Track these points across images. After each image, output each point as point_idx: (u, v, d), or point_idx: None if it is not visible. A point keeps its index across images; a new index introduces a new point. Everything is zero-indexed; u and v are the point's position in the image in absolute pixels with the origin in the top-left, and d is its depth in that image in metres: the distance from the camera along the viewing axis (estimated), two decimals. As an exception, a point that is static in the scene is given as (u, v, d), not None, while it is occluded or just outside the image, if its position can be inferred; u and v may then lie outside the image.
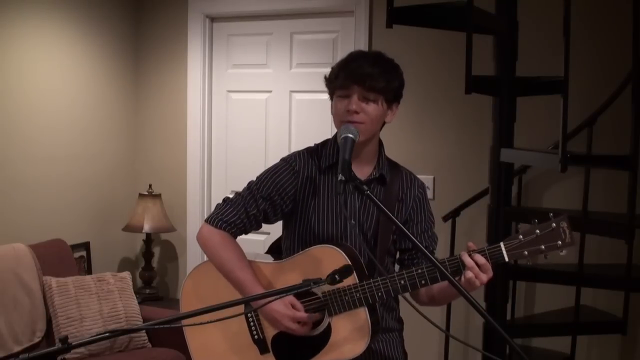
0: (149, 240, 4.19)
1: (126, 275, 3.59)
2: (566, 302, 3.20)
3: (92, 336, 1.36)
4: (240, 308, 1.83)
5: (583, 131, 2.95)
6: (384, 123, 1.93)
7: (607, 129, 3.06)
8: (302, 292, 1.69)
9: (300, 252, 1.90)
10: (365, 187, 1.68)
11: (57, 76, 3.82)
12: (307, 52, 4.01)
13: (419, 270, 1.76)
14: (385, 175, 1.97)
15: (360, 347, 1.81)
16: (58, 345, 1.28)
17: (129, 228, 4.13)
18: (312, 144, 2.03)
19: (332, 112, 1.93)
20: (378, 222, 1.94)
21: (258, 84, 4.15)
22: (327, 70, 1.94)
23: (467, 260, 1.69)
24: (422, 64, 3.65)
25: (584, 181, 2.95)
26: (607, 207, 3.07)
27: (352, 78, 1.83)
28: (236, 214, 1.94)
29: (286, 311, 1.81)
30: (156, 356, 3.33)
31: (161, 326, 1.39)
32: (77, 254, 3.86)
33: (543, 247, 1.68)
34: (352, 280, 1.78)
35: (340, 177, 1.67)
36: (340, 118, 1.86)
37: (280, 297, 1.66)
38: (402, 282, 1.77)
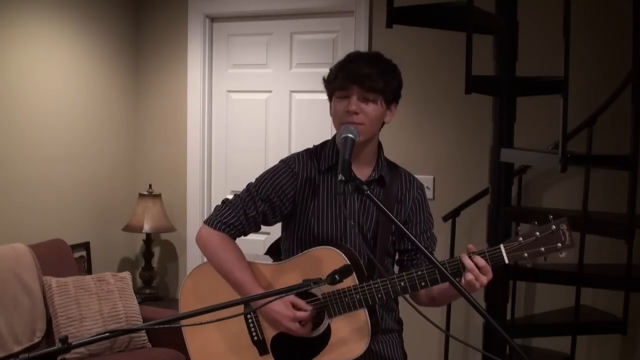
0: (149, 240, 4.20)
1: (126, 275, 3.59)
2: (566, 302, 3.20)
3: (92, 336, 1.36)
4: (240, 308, 1.83)
5: (583, 131, 2.95)
6: (383, 123, 1.93)
7: (607, 129, 3.06)
8: (302, 293, 1.70)
9: (300, 253, 1.89)
10: (365, 187, 1.68)
11: (57, 76, 3.82)
12: (307, 52, 4.01)
13: (419, 272, 1.76)
14: (384, 177, 1.97)
15: (360, 348, 1.81)
16: (58, 345, 1.28)
17: (129, 228, 4.13)
18: (312, 144, 2.03)
19: (330, 113, 1.92)
20: (377, 223, 1.94)
21: (258, 84, 4.15)
22: (327, 71, 1.94)
23: (467, 262, 1.69)
24: (422, 64, 3.65)
25: (584, 181, 2.95)
26: (607, 207, 3.07)
27: (351, 79, 1.83)
28: (235, 216, 1.94)
29: (286, 312, 1.81)
30: (156, 356, 3.33)
31: (161, 326, 1.39)
32: (77, 254, 3.87)
33: (543, 249, 1.68)
34: (351, 281, 1.78)
35: (340, 177, 1.66)
36: (340, 119, 1.86)
37: (280, 298, 1.66)
38: (402, 283, 1.76)
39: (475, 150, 3.52)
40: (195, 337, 2.01)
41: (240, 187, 2.02)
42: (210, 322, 1.47)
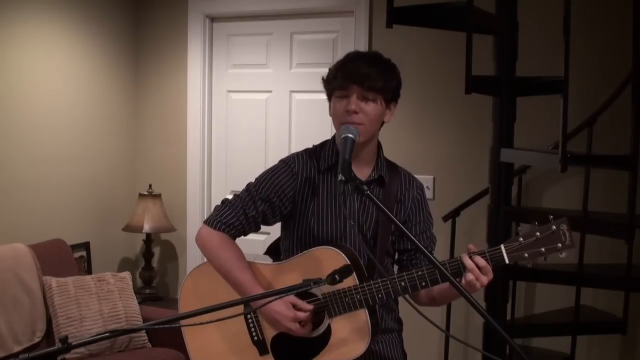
0: (149, 240, 4.20)
1: (126, 275, 3.59)
2: (566, 302, 3.20)
3: (92, 336, 1.36)
4: (240, 308, 1.83)
5: (583, 131, 2.95)
6: (382, 123, 1.93)
7: (607, 129, 3.06)
8: (302, 293, 1.70)
9: (300, 253, 1.89)
10: (365, 187, 1.68)
11: (57, 76, 3.82)
12: (307, 52, 4.01)
13: (419, 272, 1.76)
14: (384, 177, 1.97)
15: (360, 348, 1.81)
16: (58, 345, 1.28)
17: (129, 228, 4.13)
18: (312, 144, 2.03)
19: (330, 113, 1.92)
20: (377, 222, 1.94)
21: (258, 84, 4.15)
22: (327, 71, 1.94)
23: (468, 262, 1.69)
24: (422, 64, 3.65)
25: (584, 181, 2.95)
26: (607, 207, 3.07)
27: (350, 78, 1.83)
28: (235, 216, 1.94)
29: (287, 312, 1.81)
30: (156, 356, 3.33)
31: (161, 326, 1.39)
32: (77, 254, 3.87)
33: (543, 249, 1.68)
34: (352, 281, 1.78)
35: (340, 177, 1.67)
36: (340, 119, 1.86)
37: (280, 298, 1.66)
38: (403, 283, 1.77)
39: (475, 150, 3.52)
40: (195, 337, 2.01)
41: (240, 187, 2.02)
42: (210, 322, 1.47)
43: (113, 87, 4.23)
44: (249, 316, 1.92)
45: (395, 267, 2.06)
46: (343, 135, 1.78)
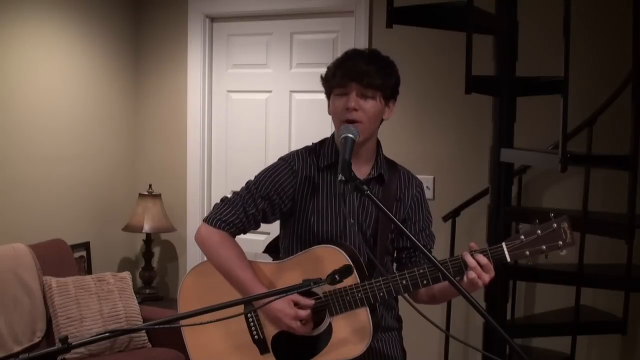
0: (149, 240, 4.20)
1: (126, 275, 3.59)
2: (566, 302, 3.20)
3: (92, 336, 1.36)
4: (240, 308, 1.83)
5: (583, 131, 2.96)
6: (381, 121, 1.93)
7: (607, 129, 3.06)
8: (303, 292, 1.69)
9: (301, 252, 1.90)
10: (365, 187, 1.68)
11: (57, 76, 3.82)
12: (307, 52, 4.01)
13: (421, 270, 1.76)
14: (383, 175, 1.97)
15: (361, 347, 1.81)
16: (58, 345, 1.28)
17: (129, 228, 4.13)
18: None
19: (329, 111, 1.93)
20: (377, 221, 1.94)
21: (258, 84, 4.15)
22: (326, 69, 1.94)
23: (470, 260, 1.69)
24: (422, 64, 3.65)
25: (584, 181, 2.95)
26: (607, 207, 3.07)
27: (349, 76, 1.83)
28: (235, 214, 1.94)
29: (288, 310, 1.81)
30: (156, 356, 3.33)
31: (161, 326, 1.39)
32: (77, 254, 3.87)
33: (544, 247, 1.69)
34: (353, 280, 1.78)
35: (340, 177, 1.67)
36: (339, 116, 1.86)
37: (280, 297, 1.66)
38: (404, 281, 1.77)
39: (475, 150, 3.52)
40: (195, 336, 2.01)
41: (240, 187, 2.02)
42: (211, 322, 1.47)
43: (113, 87, 4.23)
44: (249, 315, 1.92)
45: (394, 265, 2.06)
46: (343, 135, 1.78)
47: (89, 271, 3.97)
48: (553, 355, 3.25)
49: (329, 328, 1.84)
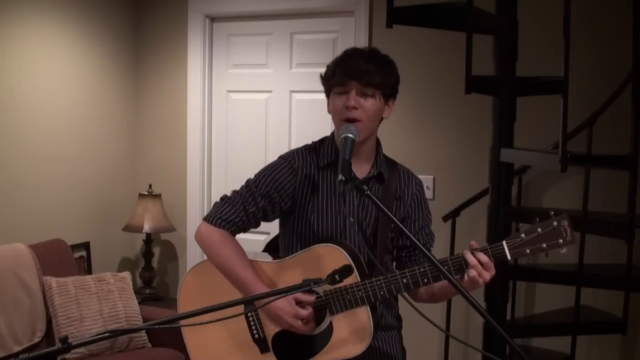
0: (149, 240, 4.20)
1: (126, 275, 3.59)
2: (566, 302, 3.20)
3: (92, 336, 1.36)
4: (240, 308, 1.83)
5: (583, 131, 2.96)
6: (381, 119, 1.93)
7: (607, 129, 3.06)
8: (303, 291, 1.69)
9: (301, 250, 1.90)
10: (365, 187, 1.68)
11: (57, 76, 3.82)
12: (307, 52, 4.01)
13: (422, 269, 1.76)
14: (383, 173, 1.97)
15: (361, 346, 1.81)
16: (58, 345, 1.28)
17: (129, 228, 4.13)
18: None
19: (329, 110, 1.93)
20: (377, 220, 1.94)
21: (258, 84, 4.15)
22: (325, 68, 1.94)
23: (470, 258, 1.70)
24: (422, 64, 3.65)
25: (584, 181, 2.95)
26: (607, 207, 3.07)
27: (349, 74, 1.83)
28: (235, 212, 1.94)
29: (289, 308, 1.81)
30: (156, 356, 3.33)
31: (161, 326, 1.39)
32: (77, 254, 3.87)
33: (544, 245, 1.69)
34: (353, 279, 1.78)
35: (340, 177, 1.67)
36: (339, 115, 1.86)
37: (281, 297, 1.66)
38: (405, 280, 1.77)
39: (475, 150, 3.52)
40: (195, 336, 2.01)
41: (240, 186, 2.02)
42: (211, 322, 1.47)
43: (113, 87, 4.23)
44: (249, 314, 1.92)
45: (394, 264, 2.06)
46: (343, 135, 1.78)
47: (89, 271, 3.97)
48: (553, 355, 3.25)
49: (330, 327, 1.84)
